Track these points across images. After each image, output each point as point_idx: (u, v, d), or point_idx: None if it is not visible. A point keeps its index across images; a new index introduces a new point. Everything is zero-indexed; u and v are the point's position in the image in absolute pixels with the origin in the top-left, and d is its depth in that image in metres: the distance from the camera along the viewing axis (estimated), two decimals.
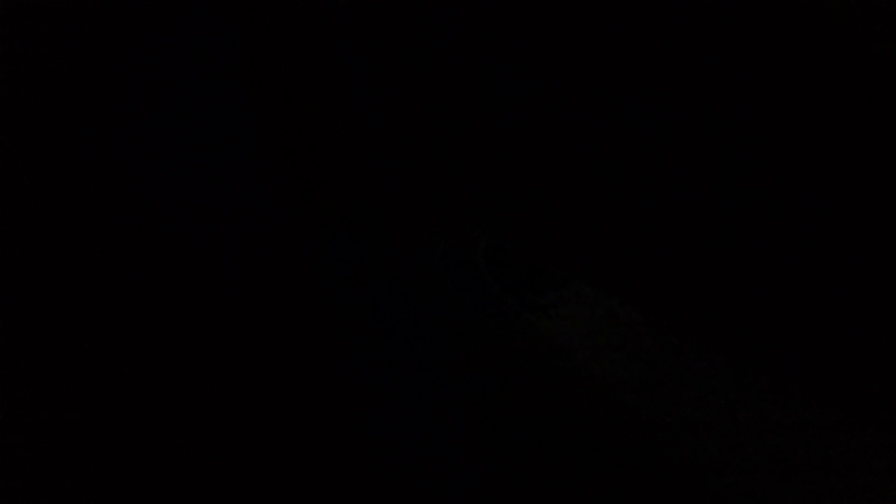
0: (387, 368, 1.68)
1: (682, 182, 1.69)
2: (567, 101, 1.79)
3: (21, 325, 1.58)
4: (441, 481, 1.53)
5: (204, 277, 1.68)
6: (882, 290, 1.51)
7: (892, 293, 1.51)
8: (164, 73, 1.74)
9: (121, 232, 1.67)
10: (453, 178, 1.84)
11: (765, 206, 1.62)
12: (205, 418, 1.56)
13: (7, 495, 1.44)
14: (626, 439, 1.47)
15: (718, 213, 1.67)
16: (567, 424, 1.55)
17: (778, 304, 1.59)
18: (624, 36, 1.71)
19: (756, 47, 1.60)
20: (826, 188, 1.56)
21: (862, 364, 1.50)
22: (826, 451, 1.44)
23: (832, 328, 1.53)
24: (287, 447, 1.54)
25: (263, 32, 1.83)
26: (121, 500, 1.48)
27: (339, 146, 1.84)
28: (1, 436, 1.50)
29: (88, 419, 1.53)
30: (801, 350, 1.54)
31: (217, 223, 1.72)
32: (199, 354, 1.62)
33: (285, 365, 1.64)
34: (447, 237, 1.65)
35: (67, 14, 1.70)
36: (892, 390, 1.47)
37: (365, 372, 1.66)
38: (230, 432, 1.55)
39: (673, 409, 1.49)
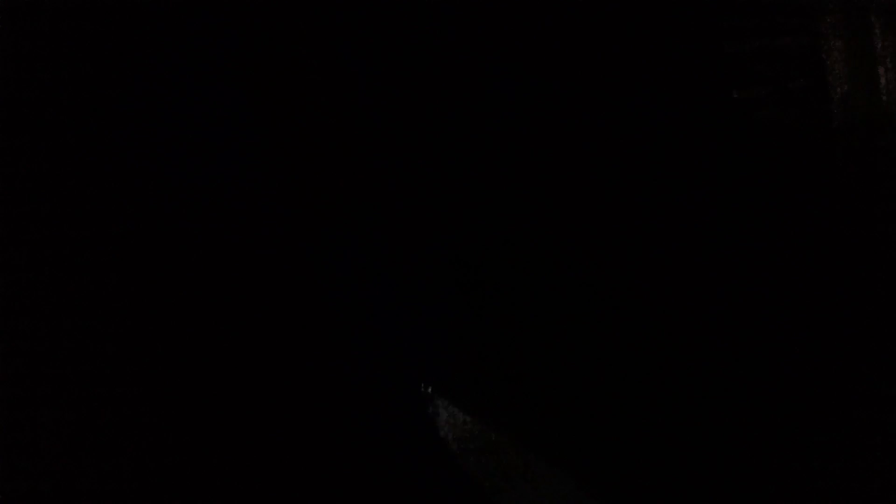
0: (386, 368, 1.68)
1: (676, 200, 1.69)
2: (567, 101, 1.79)
3: (21, 323, 1.59)
4: (440, 481, 1.53)
5: (204, 276, 1.68)
6: (881, 299, 1.51)
7: (891, 295, 1.51)
8: (166, 74, 1.75)
9: (122, 231, 1.68)
10: (453, 178, 1.84)
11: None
12: (204, 417, 1.56)
13: (7, 495, 1.44)
14: None
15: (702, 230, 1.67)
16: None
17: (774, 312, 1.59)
18: (624, 36, 1.71)
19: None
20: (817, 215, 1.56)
21: (862, 364, 1.50)
22: (824, 451, 1.44)
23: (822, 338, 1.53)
24: (286, 446, 1.54)
25: (264, 33, 1.83)
26: (120, 500, 1.48)
27: (339, 146, 1.85)
28: (1, 436, 1.50)
29: (86, 418, 1.54)
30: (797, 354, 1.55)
31: (218, 223, 1.72)
32: (199, 353, 1.62)
33: (285, 364, 1.64)
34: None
35: (68, 14, 1.70)
36: (892, 390, 1.47)
37: (365, 372, 1.66)
38: (229, 431, 1.55)
39: None
